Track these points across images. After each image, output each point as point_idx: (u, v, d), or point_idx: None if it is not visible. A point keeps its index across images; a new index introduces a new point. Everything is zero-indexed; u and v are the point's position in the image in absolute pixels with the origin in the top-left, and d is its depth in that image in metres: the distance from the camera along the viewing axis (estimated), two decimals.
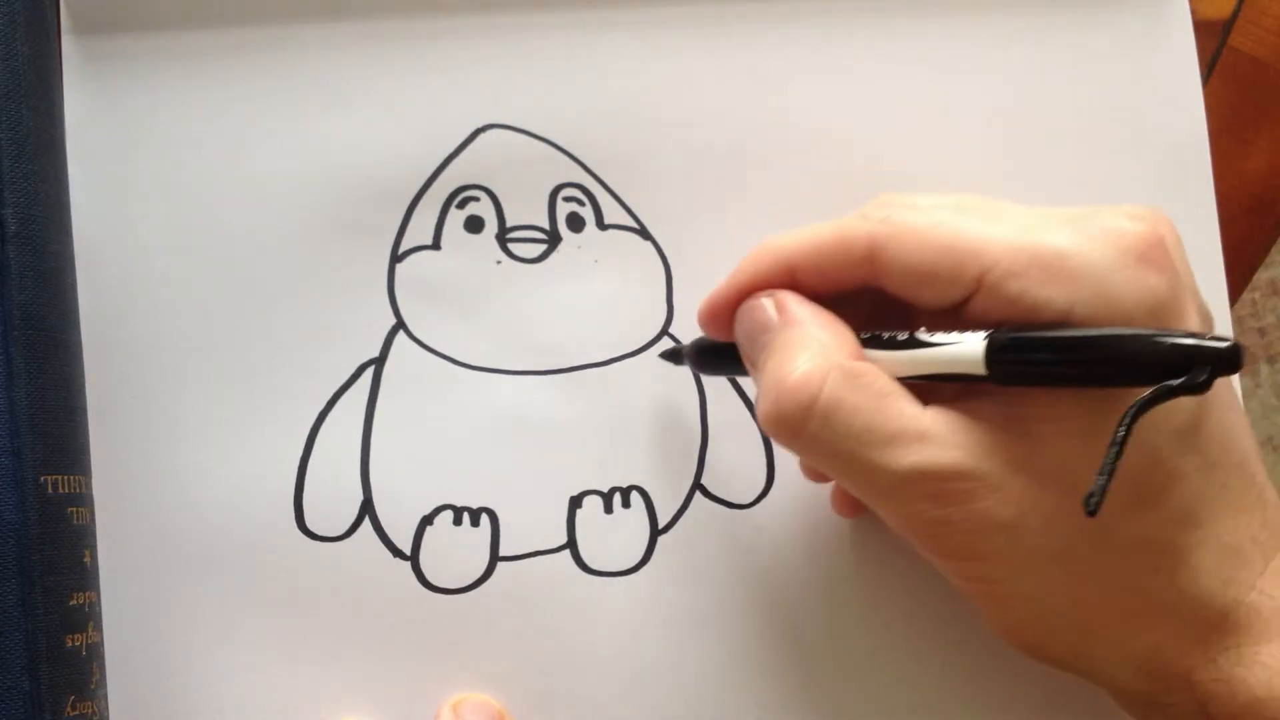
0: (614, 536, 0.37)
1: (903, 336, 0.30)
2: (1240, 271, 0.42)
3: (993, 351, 0.28)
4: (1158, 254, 0.28)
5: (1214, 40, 0.42)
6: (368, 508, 0.36)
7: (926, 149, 0.39)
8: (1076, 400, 0.28)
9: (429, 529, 0.36)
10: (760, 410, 0.30)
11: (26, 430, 0.31)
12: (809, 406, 0.29)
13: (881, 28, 0.39)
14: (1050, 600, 0.30)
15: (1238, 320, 0.39)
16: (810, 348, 0.30)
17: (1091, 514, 0.25)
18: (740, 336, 0.33)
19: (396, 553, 0.36)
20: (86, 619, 0.32)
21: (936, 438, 0.29)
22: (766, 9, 0.38)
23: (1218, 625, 0.29)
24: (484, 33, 0.38)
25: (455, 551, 0.36)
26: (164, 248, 0.37)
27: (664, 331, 0.38)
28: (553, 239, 0.38)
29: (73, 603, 0.31)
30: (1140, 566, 0.29)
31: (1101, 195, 0.39)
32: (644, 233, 0.38)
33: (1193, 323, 0.29)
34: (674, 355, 0.37)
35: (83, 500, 0.32)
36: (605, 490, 0.37)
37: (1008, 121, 0.39)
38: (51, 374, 0.32)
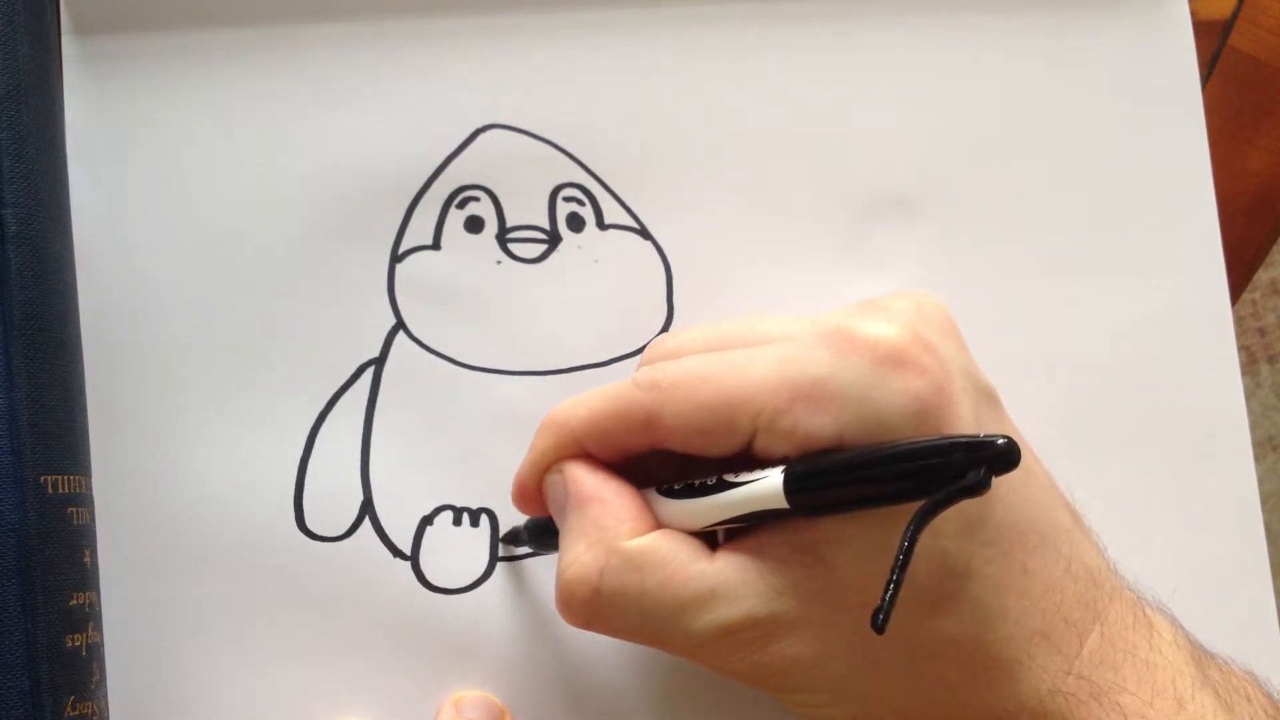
0: None
1: (711, 480, 0.30)
2: (1240, 271, 0.42)
3: (788, 484, 0.28)
4: (914, 354, 0.28)
5: (1214, 40, 0.42)
6: (368, 508, 0.36)
7: (926, 149, 0.39)
8: (861, 518, 0.28)
9: (429, 529, 0.36)
10: (555, 602, 0.31)
11: (26, 430, 0.31)
12: (591, 600, 0.30)
13: (881, 28, 0.39)
14: (875, 719, 0.30)
15: (1238, 320, 0.39)
16: (588, 535, 0.30)
17: (879, 631, 0.25)
18: (553, 515, 0.33)
19: (396, 553, 0.36)
20: (86, 619, 0.32)
21: (726, 592, 0.29)
22: (767, 9, 0.38)
23: None
24: (484, 33, 0.38)
25: (455, 551, 0.36)
26: (164, 248, 0.37)
27: (664, 331, 0.38)
28: (553, 239, 0.38)
29: (73, 603, 0.31)
30: (953, 672, 0.29)
31: (1101, 195, 0.39)
32: (644, 233, 0.38)
33: (963, 413, 0.28)
34: (513, 538, 0.36)
35: (83, 500, 0.32)
36: None
37: (1008, 122, 0.39)
38: (51, 374, 0.32)
